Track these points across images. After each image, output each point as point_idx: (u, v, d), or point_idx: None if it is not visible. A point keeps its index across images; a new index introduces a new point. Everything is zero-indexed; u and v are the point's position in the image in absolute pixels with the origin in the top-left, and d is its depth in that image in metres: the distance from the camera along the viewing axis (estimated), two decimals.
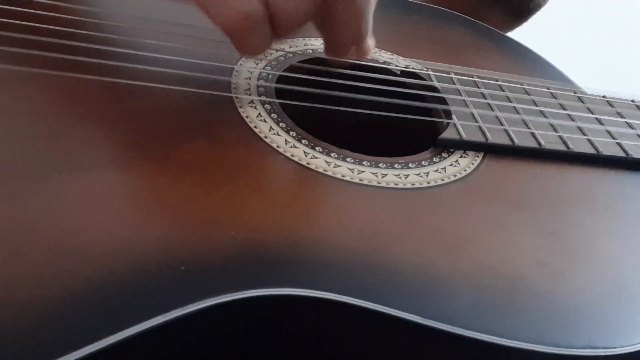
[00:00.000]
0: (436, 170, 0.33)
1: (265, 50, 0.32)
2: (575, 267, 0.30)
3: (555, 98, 0.41)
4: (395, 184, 0.32)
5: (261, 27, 0.29)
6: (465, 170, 0.34)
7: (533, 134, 0.37)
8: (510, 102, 0.39)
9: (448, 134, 0.35)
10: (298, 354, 0.26)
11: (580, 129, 0.38)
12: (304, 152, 0.32)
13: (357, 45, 0.33)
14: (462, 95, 0.39)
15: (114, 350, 0.21)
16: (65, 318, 0.22)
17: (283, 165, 0.31)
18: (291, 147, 0.32)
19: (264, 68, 0.37)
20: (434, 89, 0.39)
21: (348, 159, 0.32)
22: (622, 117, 0.41)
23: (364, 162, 0.32)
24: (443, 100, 0.38)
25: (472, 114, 0.37)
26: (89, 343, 0.21)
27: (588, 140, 0.37)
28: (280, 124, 0.33)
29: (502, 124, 0.37)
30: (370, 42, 0.34)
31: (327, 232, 0.28)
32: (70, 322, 0.22)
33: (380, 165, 0.33)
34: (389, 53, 0.42)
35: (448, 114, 0.37)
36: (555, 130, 0.38)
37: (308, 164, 0.31)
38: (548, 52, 0.48)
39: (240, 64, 0.36)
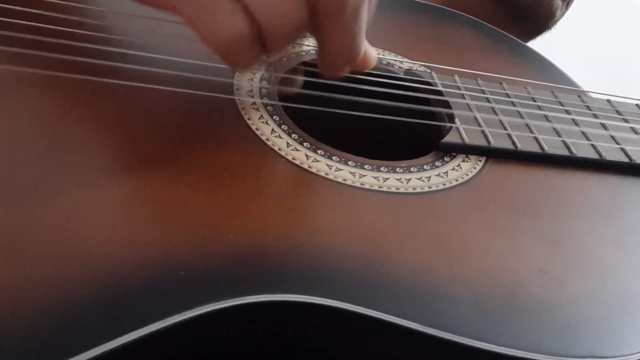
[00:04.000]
0: (438, 175, 0.33)
1: (254, 64, 0.31)
2: (576, 275, 0.29)
3: (560, 102, 0.41)
4: (397, 189, 0.31)
5: (250, 46, 0.29)
6: (467, 175, 0.34)
7: (536, 139, 0.36)
8: (514, 106, 0.39)
9: (450, 138, 0.35)
10: (297, 359, 0.26)
11: (584, 133, 0.38)
12: (306, 155, 0.32)
13: (350, 64, 0.32)
14: (465, 99, 0.38)
15: (112, 355, 0.21)
16: (65, 322, 0.22)
17: (284, 169, 0.31)
18: (293, 150, 0.32)
19: (266, 69, 0.37)
20: (437, 92, 0.39)
21: (350, 163, 0.32)
22: (626, 122, 0.41)
23: (366, 166, 0.32)
24: (446, 104, 0.38)
25: (476, 118, 0.37)
26: (88, 348, 0.21)
27: (592, 145, 0.37)
28: (282, 126, 0.33)
29: (505, 128, 0.37)
30: (371, 53, 0.33)
31: (327, 238, 0.28)
32: (69, 326, 0.22)
33: (382, 169, 0.32)
34: (392, 54, 0.42)
35: (451, 118, 0.37)
36: (559, 135, 0.37)
37: (309, 167, 0.31)
38: (549, 52, 0.48)
39: None
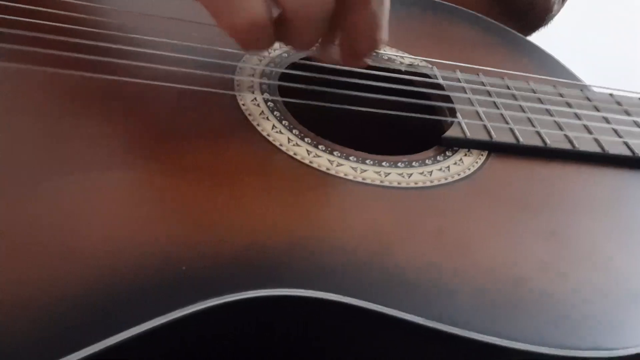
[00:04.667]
0: (440, 169, 0.33)
1: (270, 47, 0.32)
2: (579, 268, 0.29)
3: (562, 96, 0.41)
4: (399, 183, 0.31)
5: (267, 31, 0.29)
6: (469, 169, 0.34)
7: (538, 133, 0.36)
8: (516, 100, 0.39)
9: (452, 133, 0.35)
10: (300, 355, 0.26)
11: (586, 127, 0.38)
12: (307, 150, 0.32)
13: (373, 49, 0.32)
14: (467, 93, 0.38)
15: (113, 351, 0.21)
16: (65, 319, 0.22)
17: (285, 164, 0.31)
18: (294, 145, 0.32)
19: (267, 65, 0.37)
20: (439, 86, 0.39)
21: (351, 158, 0.32)
22: (629, 115, 0.41)
23: (367, 161, 0.32)
24: (448, 99, 0.38)
25: (477, 112, 0.37)
26: (88, 344, 0.21)
27: (594, 139, 0.37)
28: (283, 122, 0.33)
29: (507, 123, 0.37)
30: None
31: (329, 233, 0.28)
32: (69, 323, 0.22)
33: (384, 164, 0.32)
34: (394, 50, 0.42)
35: (453, 112, 0.37)
36: (561, 129, 0.37)
37: (310, 162, 0.31)
38: (549, 47, 0.48)
39: (244, 61, 0.36)
